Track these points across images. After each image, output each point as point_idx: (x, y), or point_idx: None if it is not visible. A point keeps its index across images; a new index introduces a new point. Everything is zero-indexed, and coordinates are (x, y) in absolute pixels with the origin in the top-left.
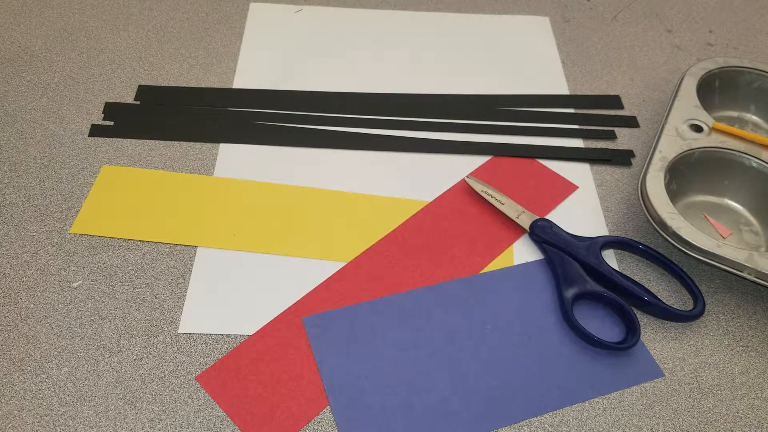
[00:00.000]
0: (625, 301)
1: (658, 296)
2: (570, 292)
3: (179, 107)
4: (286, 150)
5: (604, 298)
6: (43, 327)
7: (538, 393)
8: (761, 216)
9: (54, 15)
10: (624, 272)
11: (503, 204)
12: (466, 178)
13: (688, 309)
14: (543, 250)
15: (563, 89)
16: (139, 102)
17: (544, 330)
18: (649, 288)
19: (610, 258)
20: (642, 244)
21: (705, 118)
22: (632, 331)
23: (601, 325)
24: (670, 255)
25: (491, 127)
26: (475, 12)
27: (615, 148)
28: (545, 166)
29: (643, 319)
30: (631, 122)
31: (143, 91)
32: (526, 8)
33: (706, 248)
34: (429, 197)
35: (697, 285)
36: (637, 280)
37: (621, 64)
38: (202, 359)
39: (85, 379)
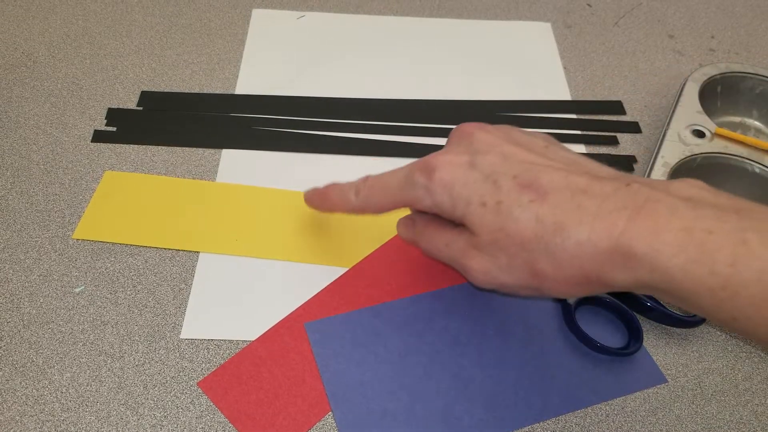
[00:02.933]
0: (628, 307)
1: (661, 302)
2: (572, 298)
3: (182, 113)
4: (288, 155)
5: (607, 303)
6: (45, 332)
7: (541, 399)
8: None
9: (57, 21)
10: None
11: None
12: None
13: (690, 314)
14: None
15: (565, 95)
16: (141, 108)
17: (547, 335)
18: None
19: None
20: None
21: (707, 124)
22: (635, 336)
23: (604, 330)
24: None
25: None
26: (477, 18)
27: (617, 153)
28: None
29: (646, 325)
30: (633, 128)
31: (146, 97)
32: (528, 14)
33: None
34: None
35: None
36: None
37: (623, 70)
38: (204, 365)
39: (87, 385)
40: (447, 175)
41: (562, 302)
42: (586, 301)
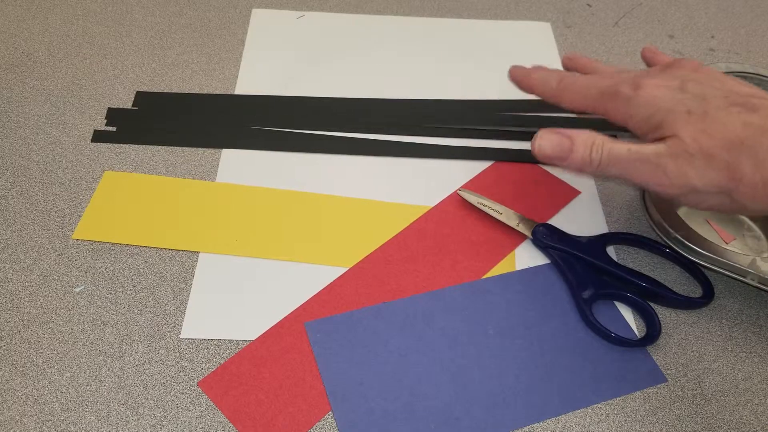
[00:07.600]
0: (638, 296)
1: (668, 286)
2: (583, 293)
3: (182, 113)
4: (288, 155)
5: (618, 295)
6: (45, 332)
7: (541, 398)
8: (763, 221)
9: (57, 21)
10: (629, 266)
11: (501, 214)
12: (459, 191)
13: (697, 296)
14: (548, 254)
15: None
16: (137, 108)
17: (546, 335)
18: (656, 279)
19: (614, 254)
20: (644, 237)
21: None
22: (652, 324)
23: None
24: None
25: (493, 132)
26: (477, 18)
27: None
28: (548, 171)
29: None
30: None
31: (141, 97)
32: (528, 14)
33: (708, 254)
34: (431, 202)
35: (702, 271)
36: (645, 272)
37: None
38: (204, 365)
39: (87, 385)
40: (654, 92)
41: (574, 298)
42: (597, 296)
